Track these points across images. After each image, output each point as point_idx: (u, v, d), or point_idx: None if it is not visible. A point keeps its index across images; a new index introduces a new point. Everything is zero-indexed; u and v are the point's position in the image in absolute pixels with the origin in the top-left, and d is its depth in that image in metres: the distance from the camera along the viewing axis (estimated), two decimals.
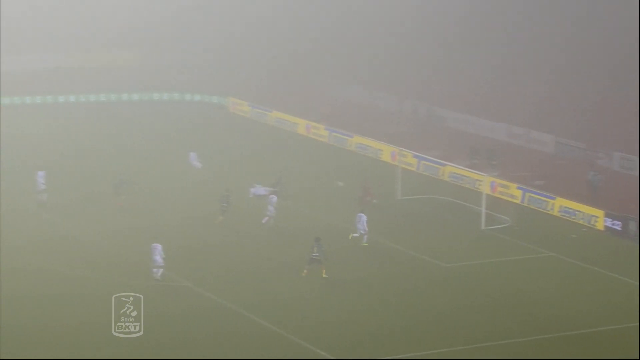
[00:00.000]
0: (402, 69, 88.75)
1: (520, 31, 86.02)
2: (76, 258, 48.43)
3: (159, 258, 45.09)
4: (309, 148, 73.03)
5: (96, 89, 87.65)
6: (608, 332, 41.60)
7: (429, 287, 46.28)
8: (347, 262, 48.97)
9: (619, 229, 54.02)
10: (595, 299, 45.14)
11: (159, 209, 56.22)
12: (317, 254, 46.17)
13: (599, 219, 55.06)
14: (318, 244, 46.38)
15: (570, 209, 56.65)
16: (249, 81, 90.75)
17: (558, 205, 57.27)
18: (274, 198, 53.72)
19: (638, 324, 41.49)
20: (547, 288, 46.57)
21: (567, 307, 44.10)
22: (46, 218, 54.45)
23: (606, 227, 54.69)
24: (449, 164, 63.24)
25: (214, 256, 49.41)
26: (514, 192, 59.74)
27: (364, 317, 42.66)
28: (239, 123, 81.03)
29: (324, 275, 46.35)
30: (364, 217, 51.02)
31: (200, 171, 63.62)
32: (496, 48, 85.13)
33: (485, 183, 57.39)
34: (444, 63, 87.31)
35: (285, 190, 58.32)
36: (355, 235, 51.20)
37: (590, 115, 73.97)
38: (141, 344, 37.78)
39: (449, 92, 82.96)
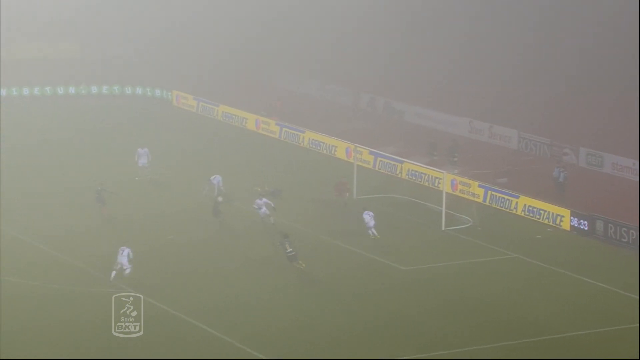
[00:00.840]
0: (357, 61, 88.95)
1: (481, 22, 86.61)
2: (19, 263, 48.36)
3: (125, 261, 45.60)
4: (259, 144, 73.02)
5: (30, 82, 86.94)
6: (573, 337, 42.02)
7: (387, 292, 46.51)
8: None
9: (586, 228, 54.62)
10: (561, 303, 45.58)
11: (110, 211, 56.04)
12: (291, 250, 47.65)
13: (565, 219, 55.64)
14: (288, 240, 47.76)
15: (534, 208, 57.20)
16: (193, 73, 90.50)
17: (522, 204, 57.80)
18: (261, 201, 53.69)
19: (638, 324, 42.14)
20: (510, 291, 46.97)
21: (531, 311, 44.52)
22: None
23: (572, 226, 55.27)
24: (408, 160, 63.57)
25: (166, 260, 49.51)
26: (476, 191, 60.20)
27: (318, 322, 42.85)
28: (184, 118, 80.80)
29: (304, 266, 47.57)
30: (372, 213, 52.11)
31: (147, 169, 62.82)
32: (456, 39, 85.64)
33: (446, 181, 57.76)
34: (401, 55, 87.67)
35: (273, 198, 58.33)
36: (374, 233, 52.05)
37: (555, 109, 74.69)
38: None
39: (407, 85, 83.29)
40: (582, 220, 54.85)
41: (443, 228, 55.08)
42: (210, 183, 57.82)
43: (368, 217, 52.26)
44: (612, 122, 70.71)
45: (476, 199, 59.89)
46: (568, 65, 78.15)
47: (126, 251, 45.75)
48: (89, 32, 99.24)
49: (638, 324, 42.57)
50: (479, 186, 60.22)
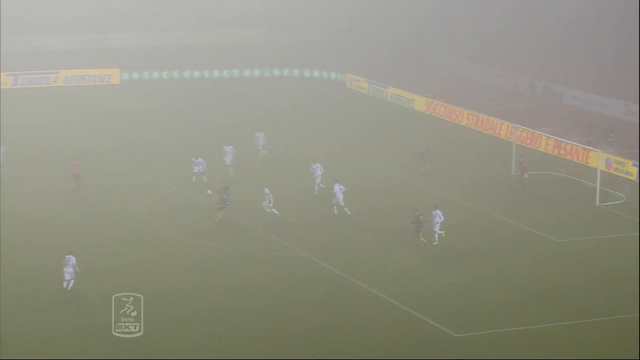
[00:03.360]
0: (519, 46, 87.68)
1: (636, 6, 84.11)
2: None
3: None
4: (425, 124, 72.86)
5: (220, 66, 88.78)
6: None
7: (543, 262, 46.12)
8: (461, 236, 49.09)
9: None
10: None
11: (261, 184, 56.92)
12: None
13: None
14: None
15: None
16: (366, 57, 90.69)
17: None
18: (338, 188, 51.06)
19: (638, 321, 39.90)
20: None
21: None
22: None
23: None
24: (564, 140, 62.42)
25: (326, 228, 50.05)
26: (630, 169, 58.73)
27: (477, 289, 42.78)
28: (356, 99, 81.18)
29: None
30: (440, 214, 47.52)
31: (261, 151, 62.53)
32: (613, 24, 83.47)
33: (601, 159, 56.55)
34: (561, 40, 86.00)
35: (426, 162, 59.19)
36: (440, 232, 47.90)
37: None
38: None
39: (566, 69, 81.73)
40: None
41: (597, 204, 54.00)
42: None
43: (436, 216, 47.55)
44: None
45: (630, 177, 58.42)
46: None
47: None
48: (271, 19, 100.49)
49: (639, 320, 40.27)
50: (633, 165, 58.71)
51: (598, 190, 54.35)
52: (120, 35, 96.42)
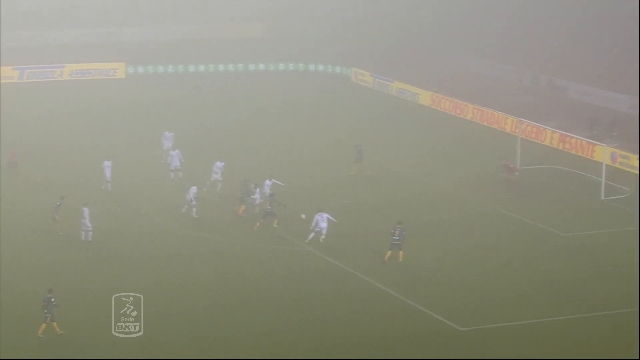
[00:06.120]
0: (523, 39, 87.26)
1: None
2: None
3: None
4: (432, 118, 72.55)
5: (225, 60, 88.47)
6: None
7: (547, 256, 45.88)
8: (466, 230, 48.89)
9: None
10: None
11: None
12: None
13: None
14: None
15: None
16: (370, 51, 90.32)
17: None
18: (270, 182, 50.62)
19: (638, 323, 39.23)
20: None
21: None
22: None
23: None
24: (569, 134, 62.07)
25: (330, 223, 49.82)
26: (635, 163, 58.36)
27: (482, 283, 42.54)
28: (360, 93, 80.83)
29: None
30: (326, 216, 46.17)
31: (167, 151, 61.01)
32: (618, 18, 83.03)
33: (605, 153, 56.17)
34: (564, 34, 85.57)
35: (362, 159, 57.21)
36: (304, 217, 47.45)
37: None
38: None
39: (570, 63, 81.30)
40: None
41: (602, 198, 53.67)
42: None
43: (320, 218, 46.18)
44: None
45: (634, 171, 58.06)
46: None
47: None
48: (276, 13, 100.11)
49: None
50: (638, 159, 58.27)
51: (603, 184, 53.98)
52: (126, 30, 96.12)
